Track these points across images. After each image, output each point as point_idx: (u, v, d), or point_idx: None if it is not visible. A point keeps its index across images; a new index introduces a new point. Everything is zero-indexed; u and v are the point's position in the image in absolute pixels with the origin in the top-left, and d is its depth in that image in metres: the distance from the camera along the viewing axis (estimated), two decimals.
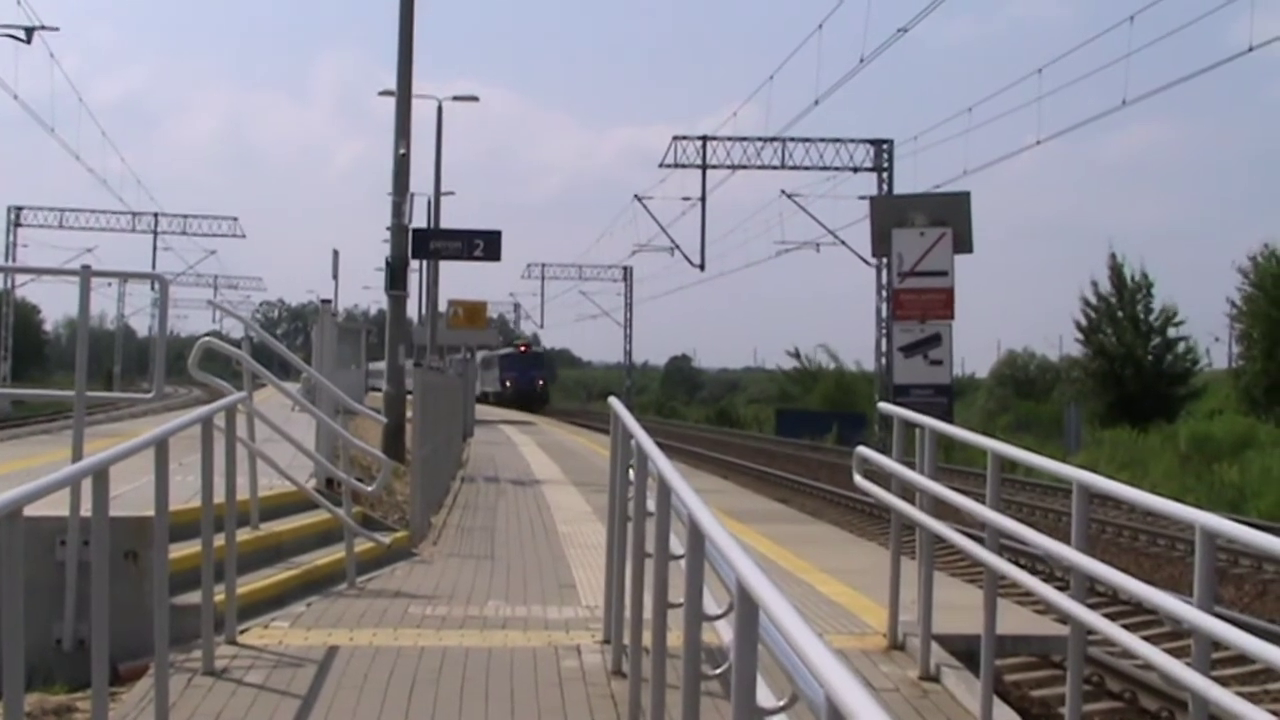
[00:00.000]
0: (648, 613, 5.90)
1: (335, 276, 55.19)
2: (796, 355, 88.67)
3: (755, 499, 19.37)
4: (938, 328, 9.82)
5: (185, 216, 70.02)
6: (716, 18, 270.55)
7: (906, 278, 9.81)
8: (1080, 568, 5.79)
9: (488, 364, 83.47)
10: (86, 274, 8.69)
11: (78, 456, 7.86)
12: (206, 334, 13.52)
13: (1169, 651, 5.16)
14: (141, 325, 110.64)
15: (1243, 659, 10.75)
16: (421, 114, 49.82)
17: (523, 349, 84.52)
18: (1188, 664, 4.79)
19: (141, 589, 7.32)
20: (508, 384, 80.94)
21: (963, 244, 9.97)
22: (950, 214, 9.97)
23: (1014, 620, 8.53)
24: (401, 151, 22.19)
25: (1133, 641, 5.22)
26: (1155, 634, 12.66)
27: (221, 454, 7.87)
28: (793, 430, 62.46)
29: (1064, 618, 6.27)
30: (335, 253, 41.32)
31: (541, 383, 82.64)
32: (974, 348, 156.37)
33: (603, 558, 8.75)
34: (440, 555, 12.18)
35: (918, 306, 9.83)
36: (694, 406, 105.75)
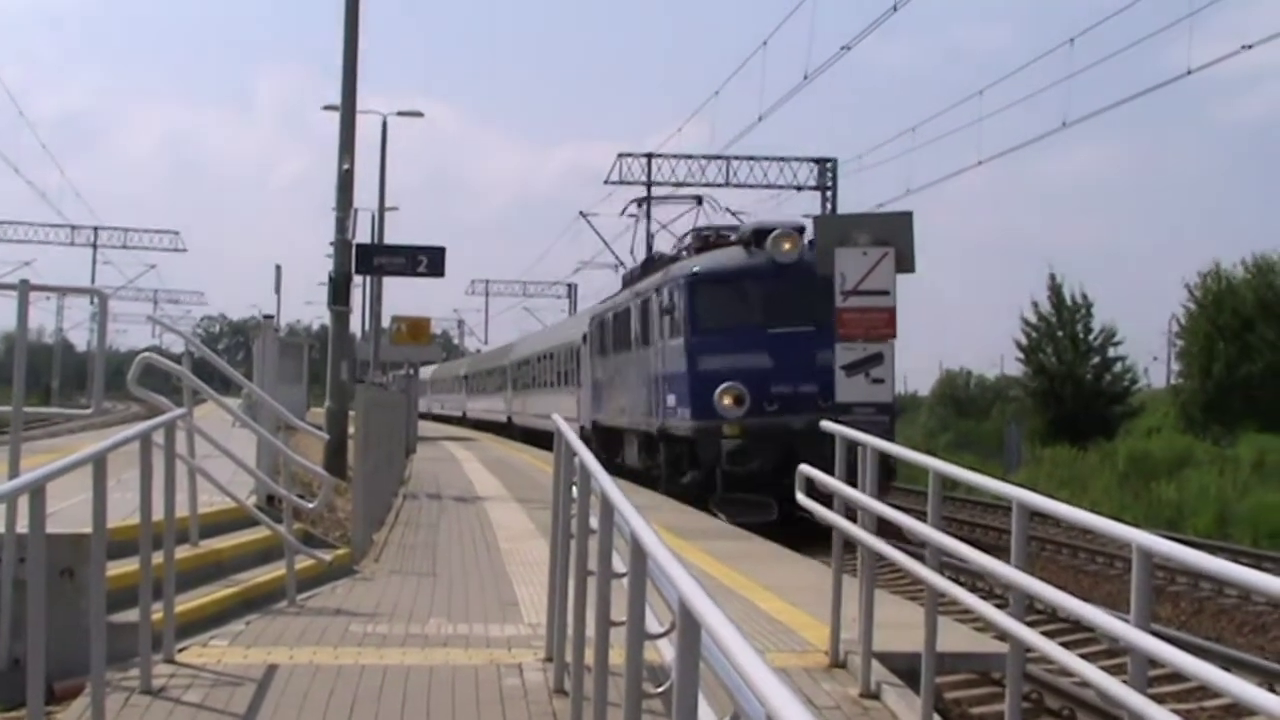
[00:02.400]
0: (590, 630, 5.90)
1: (278, 291, 54.57)
2: None
3: (698, 515, 19.39)
4: (880, 347, 9.88)
5: (125, 230, 69.53)
6: (661, 34, 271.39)
7: (849, 296, 9.86)
8: (1019, 586, 5.84)
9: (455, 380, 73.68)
10: (25, 288, 8.61)
11: (14, 473, 7.78)
12: (146, 349, 13.41)
13: (1107, 669, 5.22)
14: (80, 340, 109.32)
15: (1179, 676, 10.87)
16: (366, 130, 49.72)
17: None
18: (1125, 681, 4.84)
19: (78, 607, 7.23)
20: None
21: (905, 263, 10.03)
22: (893, 234, 10.04)
23: (955, 638, 8.58)
24: (345, 167, 22.08)
25: (1070, 659, 5.26)
26: (1094, 651, 12.78)
27: (161, 470, 7.80)
28: None
29: (1003, 635, 6.32)
30: (278, 267, 40.94)
31: None
32: (917, 366, 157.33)
33: (545, 575, 8.74)
34: (382, 572, 12.12)
35: (860, 325, 9.89)
36: None
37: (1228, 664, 11.67)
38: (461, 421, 66.66)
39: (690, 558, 13.14)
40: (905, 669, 7.69)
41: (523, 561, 12.99)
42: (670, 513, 19.19)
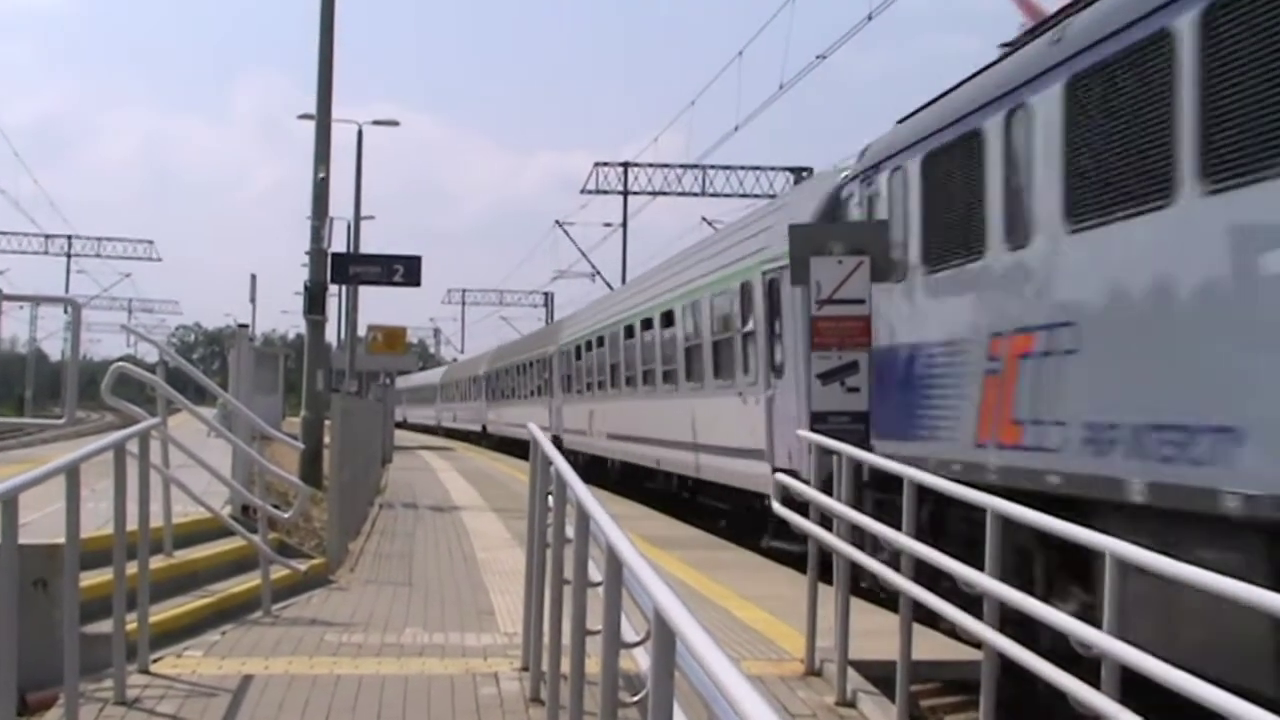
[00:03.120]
0: (566, 639, 5.90)
1: (253, 300, 54.89)
2: None
3: (675, 525, 19.39)
4: (855, 355, 9.91)
5: (99, 239, 69.30)
6: (638, 44, 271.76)
7: (824, 305, 9.89)
8: (993, 594, 5.86)
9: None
10: None
11: None
12: (120, 358, 13.37)
13: (1082, 677, 5.23)
14: (54, 349, 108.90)
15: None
16: (343, 139, 49.59)
17: None
18: (1099, 690, 4.85)
19: (52, 617, 7.19)
20: None
21: (880, 273, 10.07)
22: (868, 243, 10.07)
23: (931, 646, 8.60)
24: (321, 176, 22.07)
25: (1045, 667, 5.28)
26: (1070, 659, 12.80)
27: (135, 480, 7.77)
28: None
29: (979, 643, 6.34)
30: (253, 277, 41.18)
31: None
32: None
33: (522, 584, 8.73)
34: (357, 582, 12.09)
35: (835, 334, 9.92)
36: None
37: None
38: (483, 438, 54.45)
39: (667, 567, 13.14)
40: (881, 677, 7.70)
41: (499, 571, 12.97)
42: (647, 522, 19.20)
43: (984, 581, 5.92)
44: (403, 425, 74.22)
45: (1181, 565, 4.74)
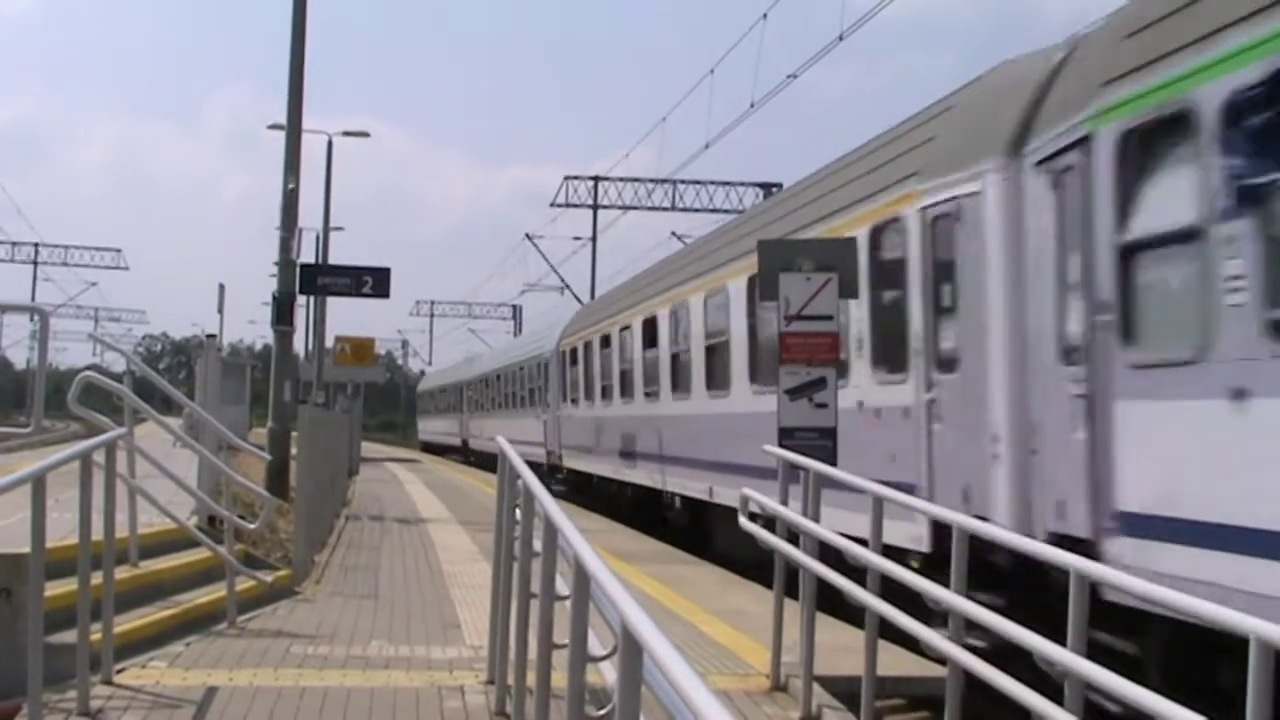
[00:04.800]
0: (533, 653, 5.90)
1: (221, 310, 54.44)
2: None
3: (642, 539, 19.38)
4: (823, 371, 9.95)
5: (66, 247, 68.96)
6: (610, 59, 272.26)
7: (793, 321, 9.93)
8: (957, 609, 5.89)
9: None
10: None
11: None
12: (87, 367, 13.31)
13: (1045, 694, 5.27)
14: (20, 357, 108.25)
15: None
16: (314, 149, 49.48)
17: None
18: (1061, 707, 4.89)
19: (15, 627, 7.17)
20: None
21: (848, 289, 10.12)
22: (837, 259, 10.12)
23: (896, 662, 8.63)
24: (290, 186, 22.02)
25: (1008, 684, 5.31)
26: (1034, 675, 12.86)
27: (100, 490, 7.74)
28: None
29: (943, 659, 6.37)
30: (221, 286, 40.91)
31: None
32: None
33: (488, 598, 8.72)
34: (323, 594, 12.06)
35: (804, 350, 9.95)
36: None
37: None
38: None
39: (635, 581, 13.15)
40: (846, 692, 7.72)
41: (466, 584, 12.95)
42: (616, 536, 19.20)
43: (949, 598, 5.96)
44: (430, 449, 66.10)
45: (1144, 583, 4.78)
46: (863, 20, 25.51)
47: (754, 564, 12.98)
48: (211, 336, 16.26)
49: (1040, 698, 4.95)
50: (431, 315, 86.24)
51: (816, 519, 7.80)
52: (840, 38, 23.55)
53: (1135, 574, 5.59)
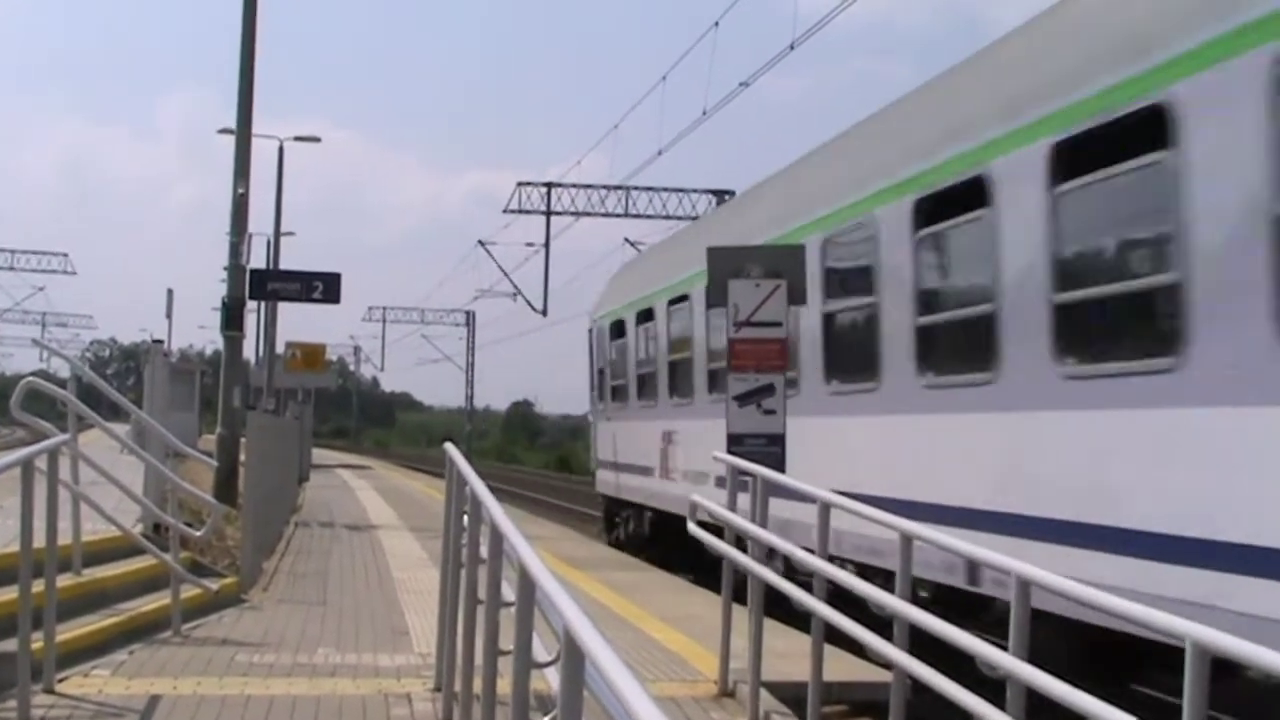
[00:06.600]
0: (479, 660, 5.88)
1: (169, 316, 54.04)
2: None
3: (594, 546, 19.39)
4: (772, 378, 9.98)
5: (12, 252, 68.15)
6: (564, 67, 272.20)
7: (742, 328, 9.96)
8: (902, 615, 5.92)
9: None
10: None
11: None
12: (32, 373, 13.17)
13: (988, 698, 5.30)
14: None
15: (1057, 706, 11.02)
16: (266, 154, 49.26)
17: None
18: (1004, 711, 4.92)
19: None
20: None
21: (797, 296, 10.15)
22: (785, 266, 10.15)
23: (843, 667, 8.66)
24: (240, 191, 21.90)
25: (952, 688, 5.34)
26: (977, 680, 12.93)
27: (43, 497, 7.66)
28: None
29: (889, 664, 6.40)
30: (170, 292, 40.69)
31: None
32: None
33: (437, 604, 8.70)
34: (270, 601, 11.98)
35: (753, 356, 9.98)
36: (535, 452, 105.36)
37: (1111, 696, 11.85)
38: None
39: (585, 588, 13.15)
40: (793, 698, 7.75)
41: (415, 590, 12.91)
42: (567, 543, 19.20)
43: (894, 603, 5.99)
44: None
45: (1084, 588, 4.82)
46: (814, 29, 25.53)
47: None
48: (159, 342, 16.11)
49: (980, 700, 4.98)
50: (384, 321, 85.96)
51: (764, 525, 7.82)
52: (791, 46, 23.62)
53: None
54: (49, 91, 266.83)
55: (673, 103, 37.76)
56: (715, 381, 14.75)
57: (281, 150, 42.40)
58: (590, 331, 23.61)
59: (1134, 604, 4.40)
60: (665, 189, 46.57)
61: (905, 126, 11.24)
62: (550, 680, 5.57)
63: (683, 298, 16.70)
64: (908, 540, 6.12)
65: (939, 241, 10.02)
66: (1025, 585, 4.95)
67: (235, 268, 21.84)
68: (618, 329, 20.98)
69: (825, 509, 7.23)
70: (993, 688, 5.40)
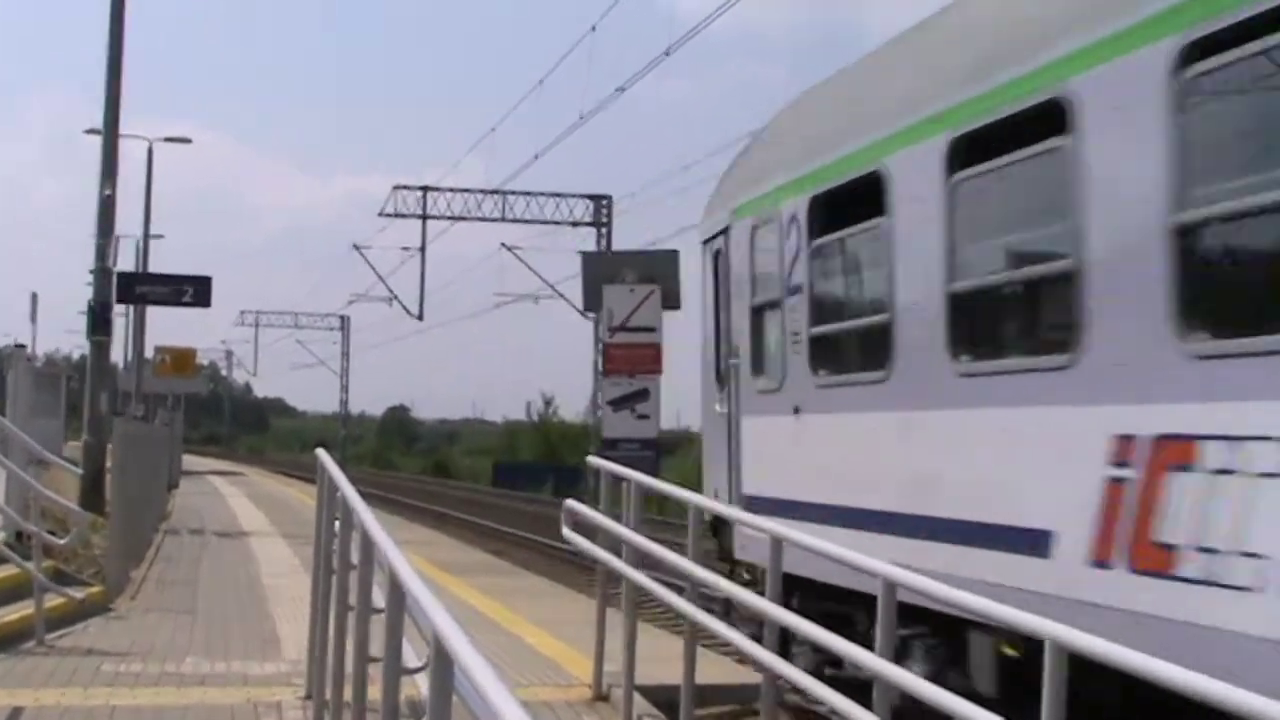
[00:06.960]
0: (350, 667, 5.84)
1: (34, 320, 52.78)
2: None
3: (469, 551, 19.33)
4: (646, 382, 10.04)
5: None
6: (437, 69, 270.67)
7: (616, 333, 10.00)
8: (771, 618, 5.99)
9: None
10: None
11: None
12: None
13: (857, 699, 5.38)
14: None
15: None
16: (135, 155, 48.37)
17: None
18: (870, 711, 5.00)
19: None
20: None
21: (671, 301, 10.22)
22: (659, 271, 10.22)
23: (715, 670, 8.73)
24: (107, 192, 21.48)
25: (820, 689, 5.42)
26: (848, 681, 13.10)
27: None
28: (509, 482, 62.52)
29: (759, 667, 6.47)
30: (34, 295, 39.76)
31: None
32: (695, 402, 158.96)
33: (308, 611, 8.61)
34: (138, 610, 11.78)
35: (627, 361, 10.03)
36: (411, 457, 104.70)
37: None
38: None
39: (460, 593, 13.10)
40: (666, 701, 7.79)
41: (286, 597, 12.76)
42: (445, 549, 19.11)
43: (764, 606, 6.05)
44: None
45: (949, 589, 4.92)
46: (690, 34, 25.76)
47: None
48: (21, 346, 15.78)
49: (847, 700, 5.06)
50: (257, 325, 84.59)
51: (638, 529, 7.86)
52: (667, 53, 23.76)
53: None
54: None
55: (550, 106, 37.76)
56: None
57: (151, 151, 41.77)
58: (718, 251, 10.73)
59: (993, 603, 4.50)
60: (542, 193, 46.51)
61: None
62: (421, 686, 5.55)
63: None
64: (778, 543, 6.20)
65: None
66: (891, 586, 5.04)
67: (102, 270, 21.42)
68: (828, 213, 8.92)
69: (696, 512, 7.28)
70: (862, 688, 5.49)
